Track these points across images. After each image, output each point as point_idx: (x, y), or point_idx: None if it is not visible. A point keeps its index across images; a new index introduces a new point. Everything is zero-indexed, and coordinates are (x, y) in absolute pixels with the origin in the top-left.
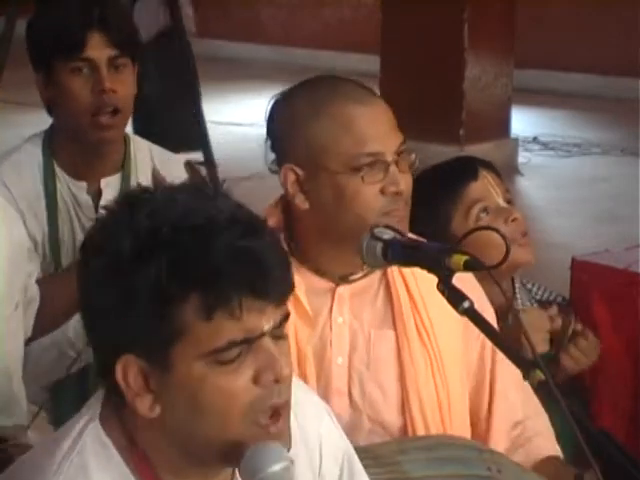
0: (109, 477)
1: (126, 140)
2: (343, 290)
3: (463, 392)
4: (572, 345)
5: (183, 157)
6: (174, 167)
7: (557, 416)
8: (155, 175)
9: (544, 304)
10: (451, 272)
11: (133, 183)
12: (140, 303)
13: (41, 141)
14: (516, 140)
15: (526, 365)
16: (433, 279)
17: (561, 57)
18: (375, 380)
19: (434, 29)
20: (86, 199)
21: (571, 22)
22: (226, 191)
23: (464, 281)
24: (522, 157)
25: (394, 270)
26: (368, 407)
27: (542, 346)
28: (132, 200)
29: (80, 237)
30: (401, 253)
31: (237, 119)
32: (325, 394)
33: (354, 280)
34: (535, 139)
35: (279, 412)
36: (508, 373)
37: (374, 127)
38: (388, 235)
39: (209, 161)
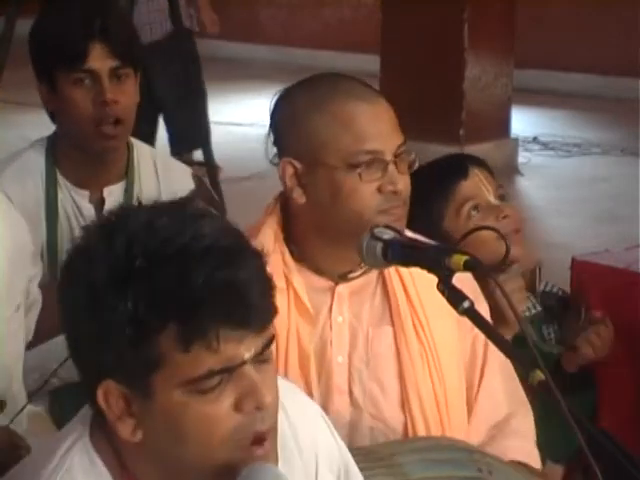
0: None
1: (129, 147)
2: (342, 289)
3: (460, 387)
4: (593, 332)
5: (186, 167)
6: (177, 174)
7: (557, 416)
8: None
9: (543, 296)
10: (451, 272)
11: (136, 191)
12: (117, 333)
13: (44, 149)
14: (516, 140)
15: (526, 365)
16: (429, 276)
17: (561, 57)
18: (375, 378)
19: (434, 29)
20: (89, 208)
21: (571, 22)
22: (214, 208)
23: (459, 277)
24: (522, 157)
25: (391, 268)
26: (369, 405)
27: (522, 304)
28: (109, 225)
29: None
30: (401, 253)
31: (237, 119)
32: (326, 393)
33: (353, 278)
34: (535, 139)
35: (263, 438)
36: (498, 369)
37: (375, 125)
38: (388, 235)
39: (210, 162)
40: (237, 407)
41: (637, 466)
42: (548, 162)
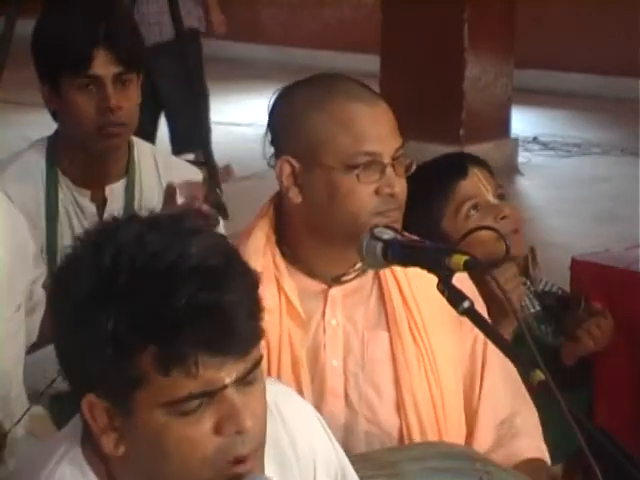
0: None
1: (130, 145)
2: (335, 292)
3: (457, 390)
4: (594, 324)
5: (187, 164)
6: (178, 172)
7: (557, 416)
8: (169, 190)
9: (543, 296)
10: (451, 272)
11: (137, 189)
12: (99, 349)
13: (44, 149)
14: (516, 140)
15: (526, 365)
16: (425, 277)
17: (561, 57)
18: (370, 381)
19: (434, 29)
20: (90, 206)
21: (571, 22)
22: (219, 209)
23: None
24: (522, 157)
25: (386, 270)
26: (365, 408)
27: (519, 290)
28: (99, 237)
29: None
30: (401, 253)
31: (237, 119)
32: (319, 396)
33: (346, 281)
34: (535, 139)
35: (244, 460)
36: (498, 368)
37: (374, 127)
38: (388, 235)
39: (210, 162)
40: (217, 430)
41: (637, 466)
42: (548, 162)
